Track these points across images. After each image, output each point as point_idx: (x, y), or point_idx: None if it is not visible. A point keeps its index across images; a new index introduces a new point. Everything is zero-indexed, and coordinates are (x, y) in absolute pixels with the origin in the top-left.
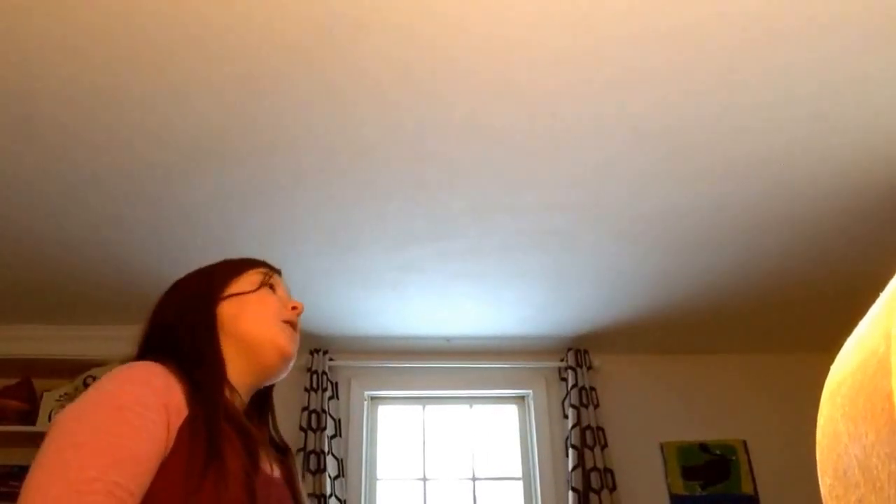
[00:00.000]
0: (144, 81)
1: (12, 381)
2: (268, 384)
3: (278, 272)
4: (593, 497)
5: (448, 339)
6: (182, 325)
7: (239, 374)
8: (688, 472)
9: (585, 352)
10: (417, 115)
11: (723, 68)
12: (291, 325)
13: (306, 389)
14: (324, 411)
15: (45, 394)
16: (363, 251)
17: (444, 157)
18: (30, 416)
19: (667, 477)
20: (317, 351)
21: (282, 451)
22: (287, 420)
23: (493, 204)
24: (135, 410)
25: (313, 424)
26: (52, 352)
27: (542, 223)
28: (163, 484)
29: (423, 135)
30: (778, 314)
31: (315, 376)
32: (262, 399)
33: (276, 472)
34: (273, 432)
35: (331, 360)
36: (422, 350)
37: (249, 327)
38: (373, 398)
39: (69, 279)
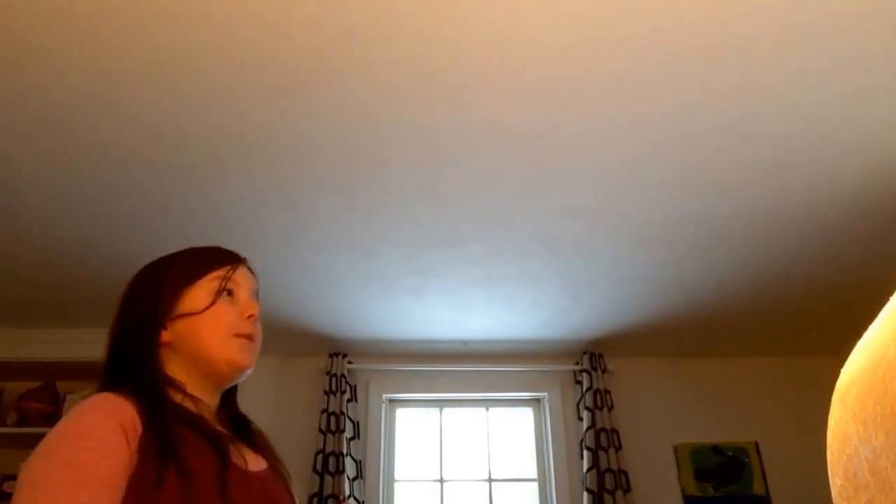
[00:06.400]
0: (163, 88)
1: (36, 384)
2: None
3: (241, 262)
4: (608, 498)
5: (465, 342)
6: (127, 350)
7: (198, 386)
8: (701, 474)
9: (600, 355)
10: (436, 120)
11: (739, 76)
12: (247, 336)
13: (325, 392)
14: (342, 413)
15: (67, 396)
16: (382, 256)
17: (463, 162)
18: (53, 419)
19: (680, 478)
20: (335, 354)
21: (247, 427)
22: (306, 422)
23: (510, 209)
24: (91, 435)
25: (332, 427)
26: (75, 355)
27: (558, 228)
28: (126, 496)
29: (441, 140)
30: (789, 318)
31: (334, 379)
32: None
33: (257, 465)
34: (234, 410)
35: (349, 363)
36: (439, 353)
37: (202, 349)
38: (391, 401)
39: (92, 283)
